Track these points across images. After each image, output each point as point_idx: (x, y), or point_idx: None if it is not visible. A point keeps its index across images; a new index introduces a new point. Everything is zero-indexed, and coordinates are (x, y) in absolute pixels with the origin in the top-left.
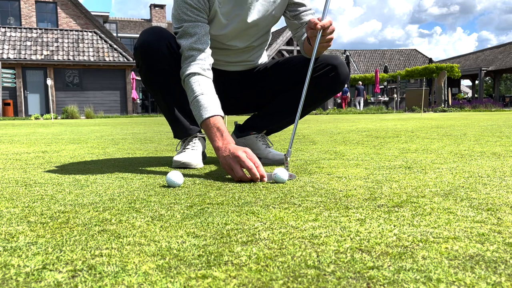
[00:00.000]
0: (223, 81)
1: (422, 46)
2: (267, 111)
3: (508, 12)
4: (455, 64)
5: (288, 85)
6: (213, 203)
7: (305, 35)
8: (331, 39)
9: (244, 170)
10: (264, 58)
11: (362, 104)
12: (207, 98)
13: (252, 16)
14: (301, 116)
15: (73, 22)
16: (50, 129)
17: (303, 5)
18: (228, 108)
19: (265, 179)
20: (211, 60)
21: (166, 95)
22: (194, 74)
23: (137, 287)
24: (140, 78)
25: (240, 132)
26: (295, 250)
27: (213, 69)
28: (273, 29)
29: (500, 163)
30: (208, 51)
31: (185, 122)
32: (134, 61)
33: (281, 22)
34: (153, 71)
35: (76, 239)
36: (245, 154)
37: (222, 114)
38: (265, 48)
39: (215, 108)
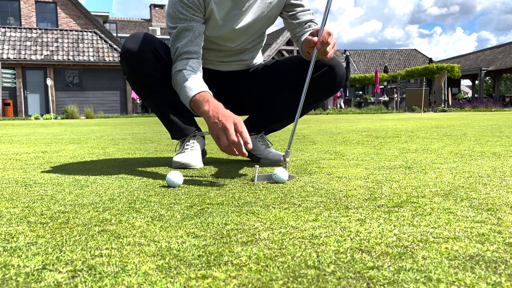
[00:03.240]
0: (218, 81)
1: (422, 46)
2: (265, 112)
3: (507, 13)
4: (455, 64)
5: (285, 85)
6: (213, 203)
7: (304, 35)
8: (333, 53)
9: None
10: (259, 59)
11: (342, 104)
12: (191, 82)
13: (248, 18)
14: (299, 116)
15: (73, 22)
16: (50, 129)
17: (300, 5)
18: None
19: (246, 154)
20: (201, 62)
21: (156, 100)
22: (182, 69)
23: (137, 287)
24: None
25: None
26: (295, 250)
27: (207, 69)
28: (274, 29)
29: (500, 163)
30: (200, 52)
31: (180, 123)
32: None
33: (281, 23)
34: (141, 78)
35: (76, 239)
36: (233, 127)
37: (209, 91)
38: (260, 49)
39: (200, 87)
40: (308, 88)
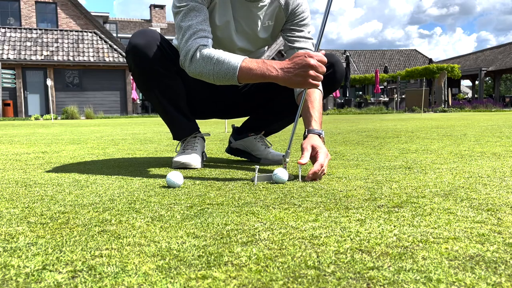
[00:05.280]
0: (218, 85)
1: (422, 47)
2: (265, 113)
3: (507, 13)
4: (456, 65)
5: (284, 87)
6: (213, 204)
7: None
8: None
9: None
10: None
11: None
12: (225, 54)
13: (244, 37)
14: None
15: (73, 22)
16: (50, 130)
17: (299, 30)
18: (226, 111)
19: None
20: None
21: (161, 97)
22: (203, 46)
23: None
24: None
25: (238, 135)
26: (295, 250)
27: None
28: None
29: (500, 163)
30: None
31: (183, 123)
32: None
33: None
34: (147, 74)
35: (76, 239)
36: (315, 60)
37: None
38: (262, 54)
39: (238, 56)
40: None
